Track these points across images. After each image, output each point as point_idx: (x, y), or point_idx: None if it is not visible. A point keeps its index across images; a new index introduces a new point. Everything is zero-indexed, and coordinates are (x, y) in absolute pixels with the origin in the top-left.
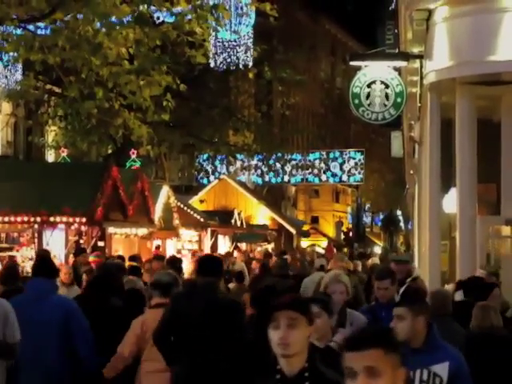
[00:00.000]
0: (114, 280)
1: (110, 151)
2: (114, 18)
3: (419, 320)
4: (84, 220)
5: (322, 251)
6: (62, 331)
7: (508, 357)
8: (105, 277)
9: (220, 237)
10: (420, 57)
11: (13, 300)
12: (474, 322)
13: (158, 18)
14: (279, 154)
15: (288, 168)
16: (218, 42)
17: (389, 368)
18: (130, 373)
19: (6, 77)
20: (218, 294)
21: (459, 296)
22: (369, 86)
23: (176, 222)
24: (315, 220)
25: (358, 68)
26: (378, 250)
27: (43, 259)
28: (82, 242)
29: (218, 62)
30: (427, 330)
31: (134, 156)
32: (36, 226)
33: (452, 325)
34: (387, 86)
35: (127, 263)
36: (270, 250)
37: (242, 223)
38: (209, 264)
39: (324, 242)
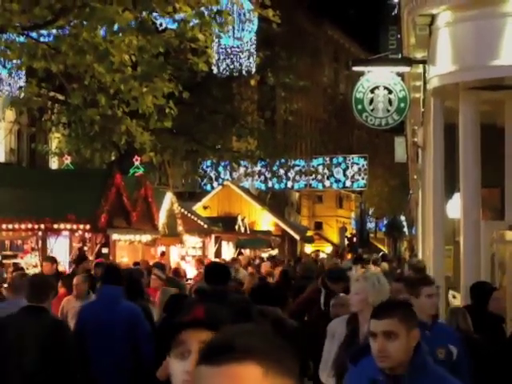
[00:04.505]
0: (136, 284)
1: (113, 158)
2: (116, 26)
3: (414, 335)
4: (88, 227)
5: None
6: (129, 335)
7: (474, 359)
8: (128, 282)
9: (224, 243)
10: (423, 62)
11: (85, 306)
12: None
13: (161, 25)
14: (282, 160)
15: (291, 174)
16: (221, 48)
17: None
18: None
19: (10, 84)
20: (228, 297)
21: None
22: (372, 91)
23: (180, 228)
24: (319, 226)
25: (361, 73)
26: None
27: (111, 267)
28: (86, 248)
29: (221, 69)
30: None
31: (137, 163)
32: (40, 233)
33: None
34: (390, 92)
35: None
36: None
37: (245, 229)
38: (216, 271)
39: (328, 248)
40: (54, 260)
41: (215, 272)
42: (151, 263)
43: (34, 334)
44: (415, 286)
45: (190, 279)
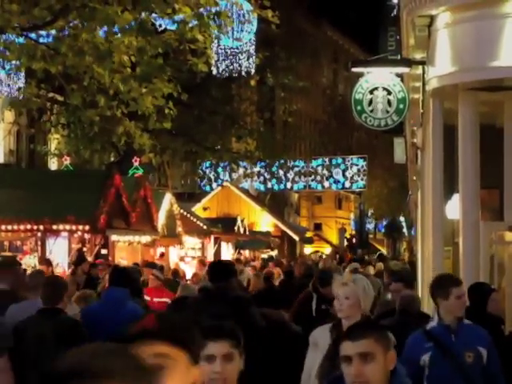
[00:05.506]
0: (134, 283)
1: (112, 159)
2: (116, 27)
3: (390, 357)
4: (87, 228)
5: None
6: None
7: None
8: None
9: (223, 244)
10: (422, 63)
11: (91, 307)
12: None
13: (161, 26)
14: (282, 161)
15: (291, 175)
16: (221, 49)
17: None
18: None
19: (9, 85)
20: (230, 295)
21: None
22: (371, 92)
23: (179, 229)
24: (318, 227)
25: (361, 74)
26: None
27: (118, 270)
28: (85, 249)
29: (221, 70)
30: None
31: (136, 164)
32: (39, 234)
33: (419, 323)
34: (389, 93)
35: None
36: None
37: (244, 230)
38: (218, 269)
39: (328, 249)
40: (49, 263)
41: (217, 270)
42: None
43: (51, 336)
44: (444, 287)
45: (189, 280)
